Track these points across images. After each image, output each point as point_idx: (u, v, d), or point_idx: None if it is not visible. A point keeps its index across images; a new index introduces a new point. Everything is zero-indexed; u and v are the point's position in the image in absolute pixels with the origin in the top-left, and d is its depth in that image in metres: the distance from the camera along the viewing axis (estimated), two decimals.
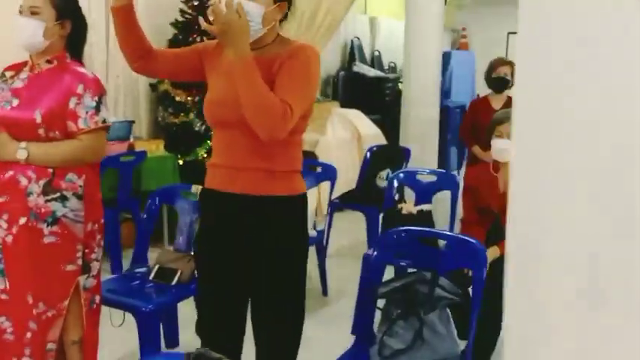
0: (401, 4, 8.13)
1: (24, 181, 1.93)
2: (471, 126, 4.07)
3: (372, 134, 5.31)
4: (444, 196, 3.32)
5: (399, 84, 6.05)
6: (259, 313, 1.75)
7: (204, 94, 1.74)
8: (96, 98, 1.97)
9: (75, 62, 2.03)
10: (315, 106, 1.89)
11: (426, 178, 3.18)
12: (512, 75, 3.97)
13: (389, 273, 2.06)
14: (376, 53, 7.44)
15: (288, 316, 1.75)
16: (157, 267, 2.59)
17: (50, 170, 1.94)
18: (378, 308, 2.03)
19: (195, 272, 2.51)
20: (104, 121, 1.99)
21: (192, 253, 2.64)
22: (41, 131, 1.92)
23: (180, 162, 4.37)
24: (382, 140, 5.24)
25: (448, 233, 2.10)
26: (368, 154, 4.12)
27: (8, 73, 2.05)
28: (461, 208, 3.04)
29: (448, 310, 1.95)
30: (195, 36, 4.50)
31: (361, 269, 2.01)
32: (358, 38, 7.04)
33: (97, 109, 1.97)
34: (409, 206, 2.95)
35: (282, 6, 1.65)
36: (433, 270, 1.96)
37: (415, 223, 2.86)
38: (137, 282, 2.53)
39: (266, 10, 1.60)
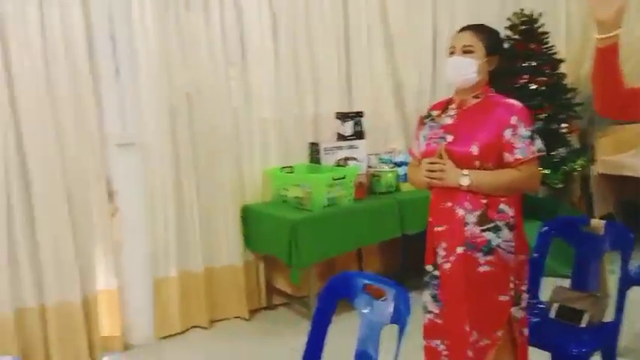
0: None
1: (460, 212, 1.97)
2: None
3: None
4: None
5: None
6: None
7: None
8: (530, 128, 1.96)
9: (498, 94, 2.05)
10: None
11: None
12: None
13: None
14: None
15: None
16: (556, 305, 2.40)
17: (484, 201, 1.95)
18: None
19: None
20: (539, 150, 1.96)
21: (597, 294, 2.40)
22: (477, 163, 1.94)
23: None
24: None
25: None
26: None
27: (434, 112, 2.12)
28: None
29: None
30: (520, 62, 4.32)
31: None
32: None
33: (532, 138, 1.95)
34: None
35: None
36: None
37: None
38: (537, 319, 2.36)
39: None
